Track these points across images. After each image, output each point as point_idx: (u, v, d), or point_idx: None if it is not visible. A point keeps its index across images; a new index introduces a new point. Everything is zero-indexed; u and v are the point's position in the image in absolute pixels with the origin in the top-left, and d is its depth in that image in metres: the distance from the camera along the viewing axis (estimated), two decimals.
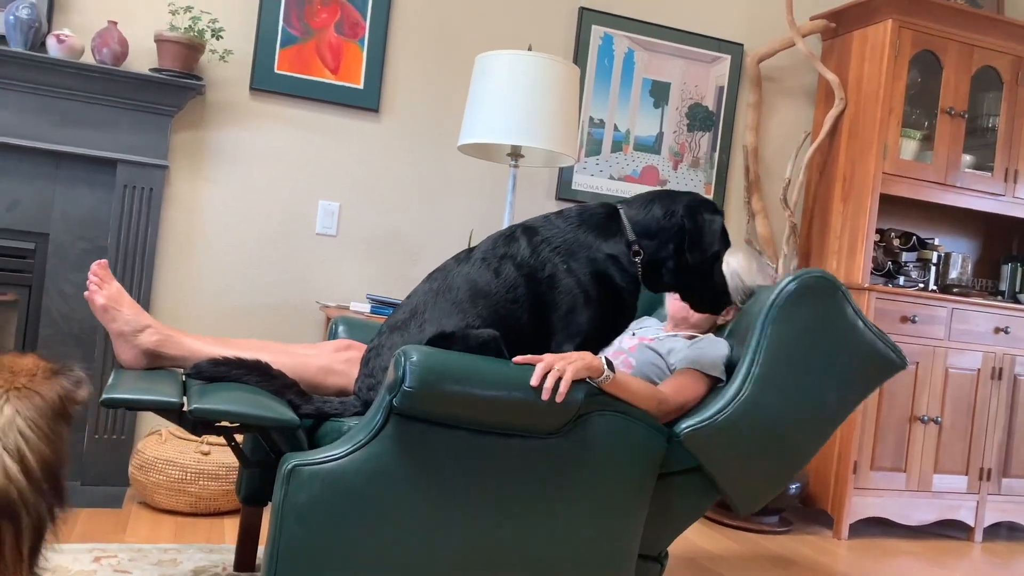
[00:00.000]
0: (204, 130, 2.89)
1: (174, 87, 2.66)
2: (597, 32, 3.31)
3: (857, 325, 1.79)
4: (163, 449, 2.55)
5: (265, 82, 2.93)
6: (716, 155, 3.49)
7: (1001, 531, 3.54)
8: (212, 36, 2.77)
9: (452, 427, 1.54)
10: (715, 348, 1.89)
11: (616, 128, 3.37)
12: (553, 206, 3.29)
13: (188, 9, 2.75)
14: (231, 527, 2.47)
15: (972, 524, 3.33)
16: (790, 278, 1.75)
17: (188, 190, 2.88)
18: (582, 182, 3.32)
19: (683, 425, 1.71)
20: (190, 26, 2.72)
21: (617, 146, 3.38)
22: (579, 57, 3.29)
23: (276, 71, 2.94)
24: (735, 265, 2.01)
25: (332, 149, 3.03)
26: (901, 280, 3.47)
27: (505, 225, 2.76)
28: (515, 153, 2.78)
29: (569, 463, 1.61)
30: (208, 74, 2.87)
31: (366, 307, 2.62)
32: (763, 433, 1.74)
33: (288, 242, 2.98)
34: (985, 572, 2.91)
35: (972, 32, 3.33)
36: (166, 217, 2.86)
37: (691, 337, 2.04)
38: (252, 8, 2.92)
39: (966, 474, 3.31)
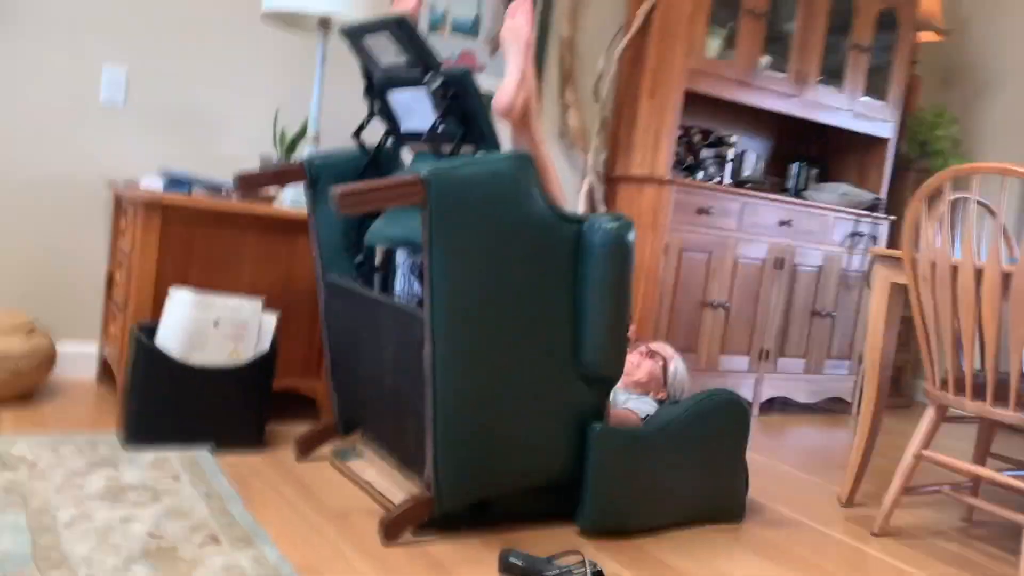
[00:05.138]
0: None
1: None
2: None
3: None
4: None
5: None
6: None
7: (775, 405, 3.91)
8: None
9: None
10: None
11: (432, 8, 3.26)
12: None
13: None
14: (11, 419, 2.28)
15: (751, 399, 3.65)
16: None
17: None
18: None
19: None
20: None
21: (434, 27, 3.27)
22: None
23: None
24: (682, 371, 2.42)
25: (118, 7, 2.73)
26: (700, 175, 3.65)
27: (314, 103, 2.62)
28: (324, 24, 2.63)
29: None
30: None
31: (159, 183, 2.43)
32: None
33: (69, 112, 2.70)
34: (762, 441, 3.21)
35: None
36: None
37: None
38: None
39: (748, 355, 3.62)
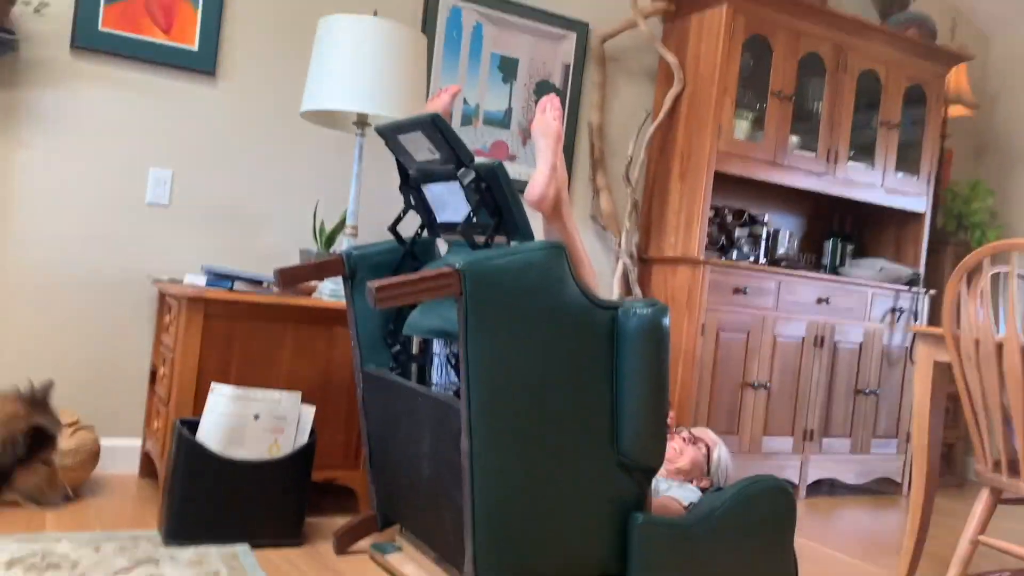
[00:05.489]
0: (18, 90, 2.66)
1: None
2: (445, 3, 3.28)
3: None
4: None
5: (88, 40, 2.73)
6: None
7: (822, 487, 3.81)
8: None
9: None
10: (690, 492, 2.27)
11: (465, 101, 3.36)
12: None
13: None
14: (54, 518, 2.30)
15: (797, 482, 3.56)
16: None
17: (0, 155, 2.65)
18: None
19: None
20: None
21: (467, 120, 3.37)
22: (427, 28, 3.25)
23: (101, 28, 2.74)
24: (725, 457, 2.42)
25: (164, 114, 2.86)
26: (734, 254, 3.65)
27: (352, 197, 2.69)
28: (362, 122, 2.72)
29: None
30: (22, 28, 2.64)
31: (201, 280, 2.49)
32: None
33: (116, 212, 2.80)
34: (810, 525, 3.12)
35: (798, 19, 3.53)
36: None
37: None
38: None
39: (791, 435, 3.54)
